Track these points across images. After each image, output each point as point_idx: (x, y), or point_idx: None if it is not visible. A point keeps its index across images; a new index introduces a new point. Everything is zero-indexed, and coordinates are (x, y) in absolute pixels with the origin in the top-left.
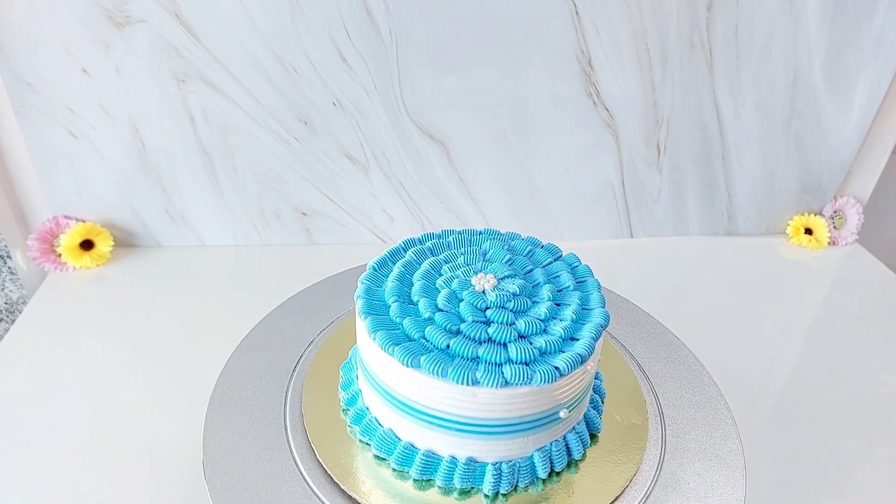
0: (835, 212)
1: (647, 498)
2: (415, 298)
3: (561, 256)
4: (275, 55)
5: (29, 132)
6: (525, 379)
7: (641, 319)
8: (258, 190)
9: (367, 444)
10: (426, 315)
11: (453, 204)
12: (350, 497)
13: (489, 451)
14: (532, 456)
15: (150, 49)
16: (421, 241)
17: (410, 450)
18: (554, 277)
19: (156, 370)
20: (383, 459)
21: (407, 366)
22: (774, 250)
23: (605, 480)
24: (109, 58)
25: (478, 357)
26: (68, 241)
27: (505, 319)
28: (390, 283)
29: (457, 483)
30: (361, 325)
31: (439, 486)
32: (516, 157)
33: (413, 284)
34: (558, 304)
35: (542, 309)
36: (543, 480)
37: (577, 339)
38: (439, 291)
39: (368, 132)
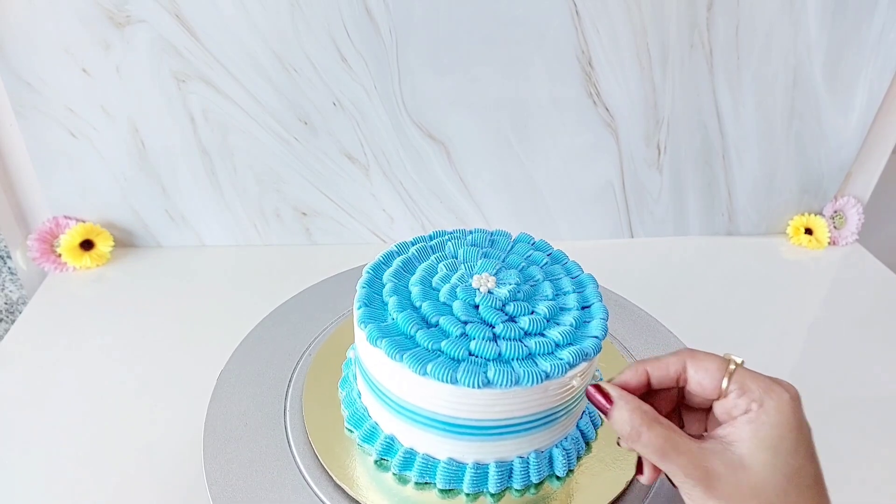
0: (835, 212)
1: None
2: (433, 320)
3: (512, 238)
4: (275, 55)
5: (29, 132)
6: (581, 356)
7: (641, 319)
8: (258, 190)
9: (403, 478)
10: (457, 332)
11: (453, 204)
12: (350, 497)
13: (552, 437)
14: (578, 425)
15: (150, 49)
16: (386, 263)
17: (479, 468)
18: (527, 257)
19: (156, 370)
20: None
21: (477, 387)
22: (774, 250)
23: (615, 462)
24: (109, 58)
25: (531, 353)
26: (68, 241)
27: (526, 310)
28: (395, 314)
29: (534, 478)
30: (397, 367)
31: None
32: (516, 157)
33: (420, 307)
34: (552, 280)
35: (547, 289)
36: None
37: (590, 306)
38: (452, 305)
39: (368, 132)
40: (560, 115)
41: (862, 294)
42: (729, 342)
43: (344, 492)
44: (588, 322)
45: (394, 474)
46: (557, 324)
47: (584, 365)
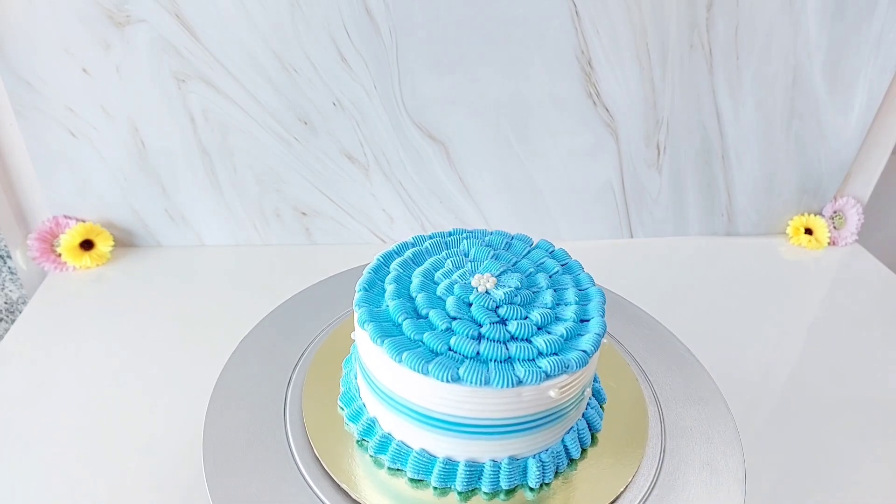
0: (835, 212)
1: (646, 498)
2: (423, 312)
3: (533, 244)
4: (275, 55)
5: (29, 132)
6: (562, 368)
7: (641, 319)
8: (258, 190)
9: (399, 470)
10: (443, 326)
11: (453, 204)
12: (350, 497)
13: (530, 446)
14: (564, 440)
15: (150, 49)
16: (398, 252)
17: (449, 464)
18: (539, 264)
19: (156, 370)
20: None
21: (446, 381)
22: (774, 250)
23: (613, 469)
24: (109, 58)
25: (510, 357)
26: (68, 240)
27: (519, 315)
28: (391, 302)
29: (503, 484)
30: (379, 352)
31: (485, 493)
32: (516, 156)
33: (415, 298)
34: (556, 290)
35: (547, 297)
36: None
37: (588, 320)
38: (445, 300)
39: (368, 132)
40: (560, 115)
41: (861, 294)
42: (729, 342)
43: (345, 492)
44: (581, 335)
45: (371, 456)
46: (548, 333)
47: (563, 377)
